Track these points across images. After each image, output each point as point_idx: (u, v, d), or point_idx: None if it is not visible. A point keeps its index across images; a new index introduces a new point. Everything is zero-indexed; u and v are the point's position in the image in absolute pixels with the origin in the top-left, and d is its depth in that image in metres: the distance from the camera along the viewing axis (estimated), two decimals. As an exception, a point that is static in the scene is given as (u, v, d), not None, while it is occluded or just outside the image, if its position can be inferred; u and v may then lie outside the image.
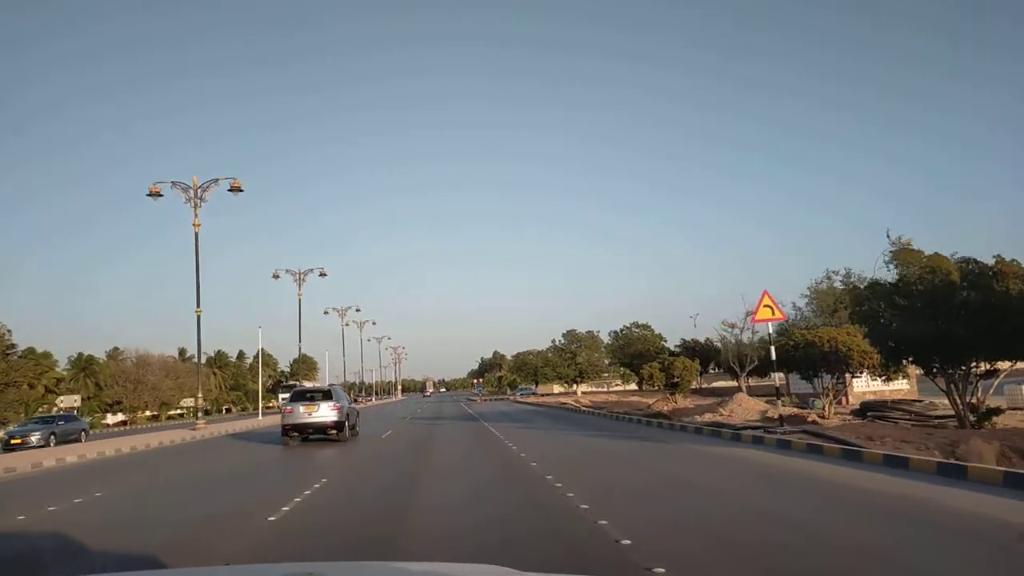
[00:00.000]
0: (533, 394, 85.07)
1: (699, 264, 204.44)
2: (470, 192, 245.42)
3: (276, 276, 46.63)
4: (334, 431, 20.57)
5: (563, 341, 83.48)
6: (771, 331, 16.58)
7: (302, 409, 20.41)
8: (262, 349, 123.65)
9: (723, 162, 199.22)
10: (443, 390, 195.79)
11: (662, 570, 5.16)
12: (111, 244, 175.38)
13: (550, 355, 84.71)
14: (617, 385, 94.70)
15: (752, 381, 46.46)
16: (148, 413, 74.11)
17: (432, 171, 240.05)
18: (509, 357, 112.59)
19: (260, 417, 43.83)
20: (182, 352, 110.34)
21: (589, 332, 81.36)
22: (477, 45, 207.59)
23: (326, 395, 21.14)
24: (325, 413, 20.28)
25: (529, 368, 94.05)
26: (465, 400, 77.62)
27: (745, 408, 30.89)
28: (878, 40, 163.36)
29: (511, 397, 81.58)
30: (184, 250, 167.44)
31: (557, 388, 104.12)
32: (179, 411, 79.00)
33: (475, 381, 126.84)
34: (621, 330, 67.98)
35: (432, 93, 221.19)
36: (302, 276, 46.78)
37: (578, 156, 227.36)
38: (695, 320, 77.83)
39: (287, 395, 53.70)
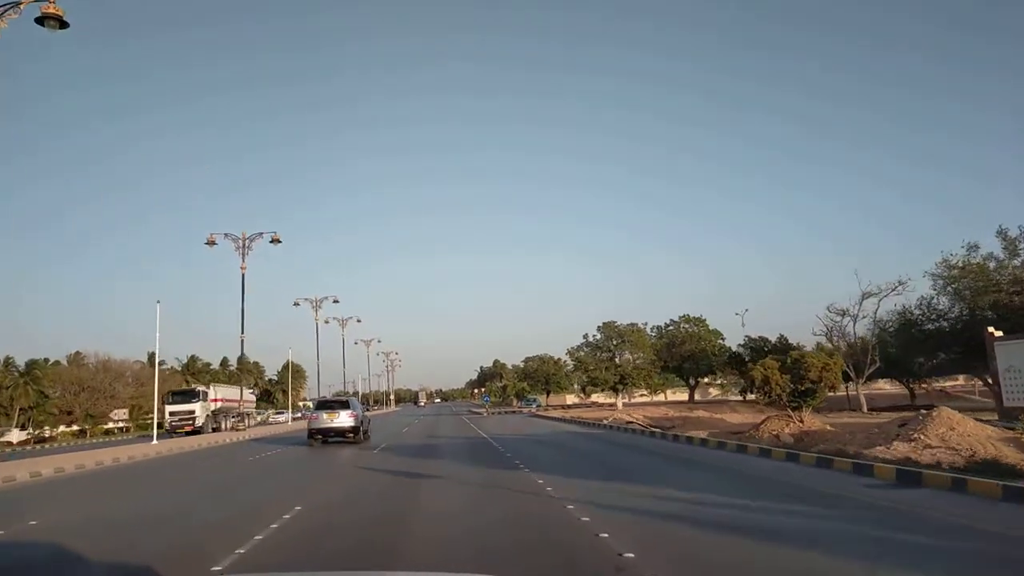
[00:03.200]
0: (538, 406, 73.12)
1: (694, 267, 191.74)
2: (466, 194, 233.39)
3: (211, 243, 33.47)
4: (351, 435, 24.55)
5: (599, 336, 63.11)
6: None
7: (325, 416, 24.72)
8: (244, 355, 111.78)
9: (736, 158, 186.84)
10: (438, 400, 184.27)
11: None
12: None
13: (582, 354, 64.89)
14: (642, 396, 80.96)
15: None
16: (67, 428, 62.63)
17: (430, 170, 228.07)
18: (510, 366, 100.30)
19: (155, 441, 30.08)
20: (151, 357, 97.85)
21: (632, 324, 60.62)
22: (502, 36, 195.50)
23: (344, 405, 25.88)
24: (344, 420, 24.50)
25: (539, 376, 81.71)
26: (468, 414, 63.12)
27: (961, 434, 17.45)
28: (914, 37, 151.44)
29: (525, 410, 67.94)
30: (159, 246, 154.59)
31: (571, 398, 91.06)
32: (120, 424, 67.05)
33: (474, 391, 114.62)
34: (666, 325, 54.18)
35: (435, 83, 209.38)
36: (247, 244, 33.70)
37: (574, 151, 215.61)
38: (743, 318, 64.52)
39: (175, 407, 41.71)
